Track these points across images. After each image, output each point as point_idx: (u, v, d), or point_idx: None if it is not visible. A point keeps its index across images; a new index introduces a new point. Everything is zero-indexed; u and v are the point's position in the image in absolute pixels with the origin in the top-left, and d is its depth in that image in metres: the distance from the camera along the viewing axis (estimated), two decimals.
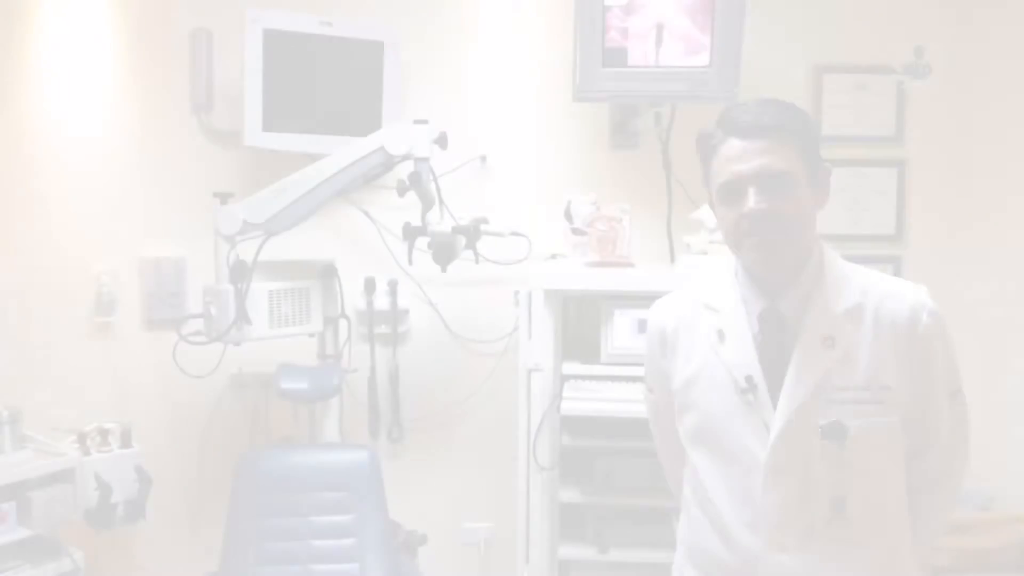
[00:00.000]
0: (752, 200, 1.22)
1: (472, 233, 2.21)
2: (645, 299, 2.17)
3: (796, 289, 1.28)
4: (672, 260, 2.61)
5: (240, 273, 2.12)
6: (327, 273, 2.37)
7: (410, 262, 2.29)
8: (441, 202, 2.29)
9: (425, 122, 2.14)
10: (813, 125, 1.30)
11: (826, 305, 1.27)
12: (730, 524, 1.30)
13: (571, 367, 2.22)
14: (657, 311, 1.49)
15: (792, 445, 1.25)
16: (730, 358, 1.31)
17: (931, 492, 1.37)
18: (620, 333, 2.19)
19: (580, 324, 2.57)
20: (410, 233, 2.27)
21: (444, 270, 2.24)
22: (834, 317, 1.27)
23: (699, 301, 1.40)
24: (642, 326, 2.16)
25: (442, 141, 2.20)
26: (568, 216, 2.36)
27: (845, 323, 1.26)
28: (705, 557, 1.36)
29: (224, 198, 2.16)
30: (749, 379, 1.28)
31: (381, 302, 2.65)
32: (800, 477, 1.25)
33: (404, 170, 2.17)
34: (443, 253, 2.20)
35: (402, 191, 2.19)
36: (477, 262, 2.29)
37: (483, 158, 2.67)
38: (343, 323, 2.46)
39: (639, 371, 2.14)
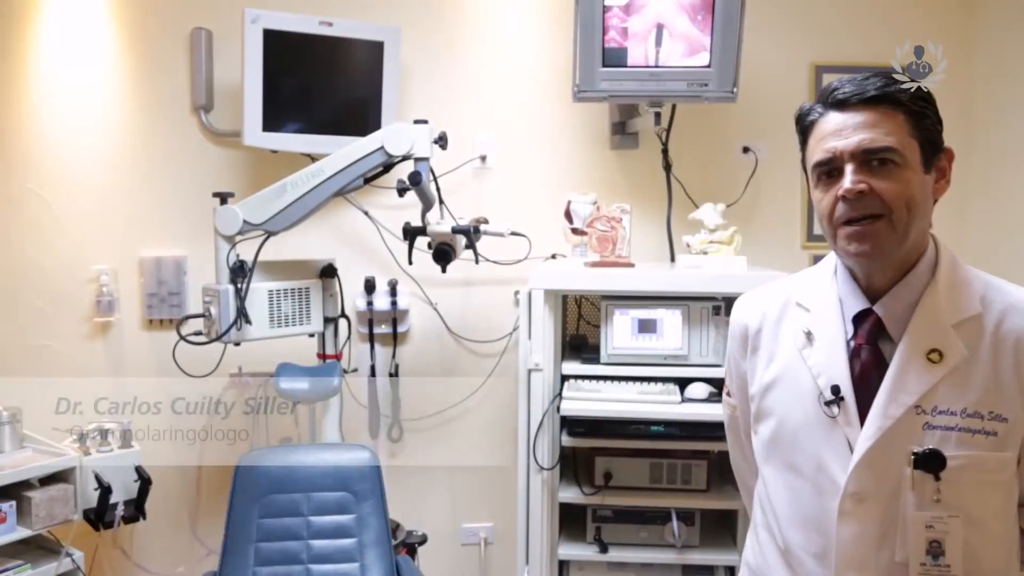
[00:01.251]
0: (849, 179, 1.05)
1: (472, 233, 2.21)
2: (645, 299, 2.19)
3: (902, 292, 1.11)
4: (672, 260, 2.61)
5: (240, 273, 2.11)
6: (327, 273, 2.37)
7: (410, 262, 2.29)
8: (441, 202, 2.29)
9: (425, 122, 2.14)
10: (931, 99, 1.12)
11: (936, 314, 1.09)
12: (796, 550, 1.15)
13: (571, 367, 2.21)
14: (740, 308, 1.32)
15: (878, 471, 1.08)
16: (817, 363, 1.14)
17: None
18: (620, 333, 2.19)
19: (580, 324, 2.59)
20: (410, 233, 2.27)
21: (444, 270, 2.23)
22: (944, 328, 1.08)
23: (790, 299, 1.23)
24: (643, 326, 2.19)
25: (442, 141, 2.20)
26: (568, 216, 2.36)
27: (957, 337, 1.07)
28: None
29: (224, 198, 2.16)
30: (835, 389, 1.11)
31: (381, 302, 2.65)
32: (883, 510, 1.08)
33: (404, 170, 2.17)
34: (443, 253, 2.20)
35: (402, 191, 2.19)
36: (477, 262, 2.29)
37: (483, 158, 2.67)
38: (343, 323, 2.45)
39: (639, 371, 2.17)
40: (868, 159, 1.06)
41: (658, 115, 2.42)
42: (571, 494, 2.22)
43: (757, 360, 1.24)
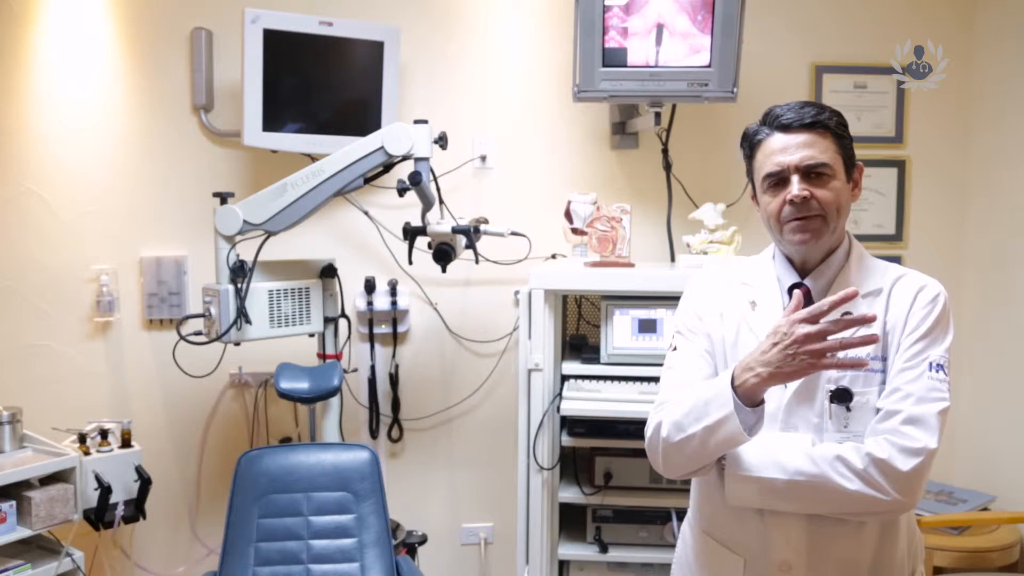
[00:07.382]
0: (795, 187, 1.34)
1: (472, 233, 2.21)
2: (645, 299, 2.19)
3: (825, 270, 1.41)
4: (672, 260, 2.62)
5: (240, 273, 2.12)
6: (327, 273, 2.37)
7: (410, 262, 2.29)
8: (441, 202, 2.29)
9: (425, 122, 2.14)
10: (847, 126, 1.41)
11: (849, 287, 1.36)
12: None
13: (571, 367, 2.21)
14: (703, 279, 1.57)
15: (804, 403, 1.37)
16: (760, 323, 1.41)
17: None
18: (620, 333, 2.19)
19: (580, 324, 2.59)
20: (410, 233, 2.27)
21: (444, 270, 2.24)
22: (855, 299, 1.35)
23: (734, 280, 1.51)
24: (643, 326, 2.19)
25: (442, 141, 2.20)
26: (568, 216, 2.36)
27: (863, 305, 1.37)
28: (712, 515, 1.45)
29: (224, 198, 2.16)
30: None
31: (381, 302, 2.65)
32: (808, 438, 1.35)
33: (404, 170, 2.17)
34: (443, 253, 2.20)
35: (402, 191, 2.19)
36: (477, 262, 2.29)
37: (483, 158, 2.67)
38: (343, 323, 2.45)
39: (639, 371, 2.17)
40: (808, 172, 1.35)
41: (658, 115, 2.42)
42: (571, 494, 2.22)
43: (712, 323, 1.49)
